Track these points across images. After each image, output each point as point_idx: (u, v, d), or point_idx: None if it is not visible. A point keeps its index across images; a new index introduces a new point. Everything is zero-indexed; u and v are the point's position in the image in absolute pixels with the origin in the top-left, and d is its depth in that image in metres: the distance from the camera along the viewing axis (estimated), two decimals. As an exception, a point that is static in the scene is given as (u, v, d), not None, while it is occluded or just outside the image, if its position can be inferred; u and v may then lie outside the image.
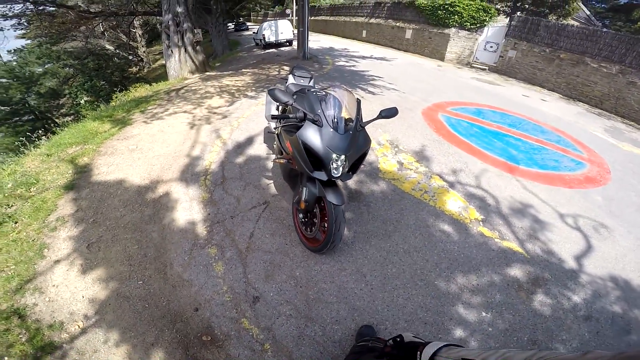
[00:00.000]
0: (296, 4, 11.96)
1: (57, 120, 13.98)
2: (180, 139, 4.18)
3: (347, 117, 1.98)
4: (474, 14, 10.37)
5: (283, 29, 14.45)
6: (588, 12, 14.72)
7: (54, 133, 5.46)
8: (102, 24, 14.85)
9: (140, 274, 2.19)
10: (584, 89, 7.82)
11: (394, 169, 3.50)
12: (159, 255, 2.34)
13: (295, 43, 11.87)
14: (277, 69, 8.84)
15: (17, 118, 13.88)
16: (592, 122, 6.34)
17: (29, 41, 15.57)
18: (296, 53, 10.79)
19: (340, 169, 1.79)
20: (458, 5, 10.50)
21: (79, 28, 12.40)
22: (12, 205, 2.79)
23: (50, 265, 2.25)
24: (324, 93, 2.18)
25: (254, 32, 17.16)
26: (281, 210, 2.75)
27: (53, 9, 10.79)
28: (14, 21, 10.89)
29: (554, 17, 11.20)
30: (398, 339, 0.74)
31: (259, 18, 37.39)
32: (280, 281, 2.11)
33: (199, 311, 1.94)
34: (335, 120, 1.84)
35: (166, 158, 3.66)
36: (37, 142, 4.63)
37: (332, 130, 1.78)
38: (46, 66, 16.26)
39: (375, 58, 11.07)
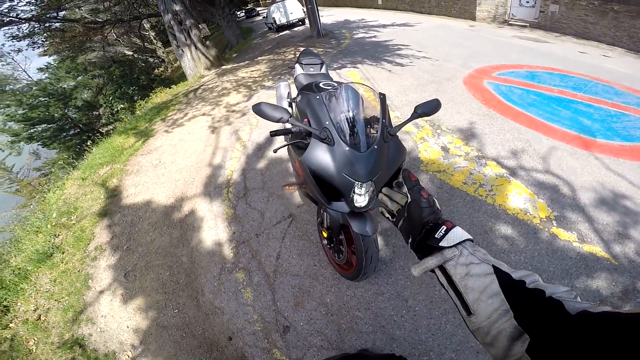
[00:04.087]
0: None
1: (101, 130, 14.74)
2: (200, 146, 4.04)
3: (367, 117, 1.42)
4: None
5: (292, 9, 13.76)
6: None
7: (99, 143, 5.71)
8: (113, 32, 15.01)
9: (175, 302, 2.21)
10: (653, 42, 6.32)
11: (439, 157, 2.97)
12: (190, 282, 2.31)
13: (307, 21, 11.22)
14: (292, 52, 8.37)
15: (65, 134, 14.83)
16: (675, 77, 5.04)
17: (53, 57, 16.19)
18: (310, 32, 10.13)
19: (366, 197, 1.28)
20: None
21: (93, 39, 12.69)
22: (58, 235, 2.96)
23: (96, 296, 2.34)
24: (335, 87, 1.63)
25: (264, 17, 16.64)
26: (307, 224, 2.48)
27: (59, 24, 10.96)
28: (27, 41, 11.04)
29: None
30: None
31: (268, 2, 36.07)
32: (310, 309, 1.93)
33: (233, 340, 1.89)
34: (353, 130, 1.29)
35: (188, 171, 3.54)
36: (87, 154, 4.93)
37: (348, 148, 1.23)
38: (77, 79, 17.11)
39: (397, 25, 10.04)
